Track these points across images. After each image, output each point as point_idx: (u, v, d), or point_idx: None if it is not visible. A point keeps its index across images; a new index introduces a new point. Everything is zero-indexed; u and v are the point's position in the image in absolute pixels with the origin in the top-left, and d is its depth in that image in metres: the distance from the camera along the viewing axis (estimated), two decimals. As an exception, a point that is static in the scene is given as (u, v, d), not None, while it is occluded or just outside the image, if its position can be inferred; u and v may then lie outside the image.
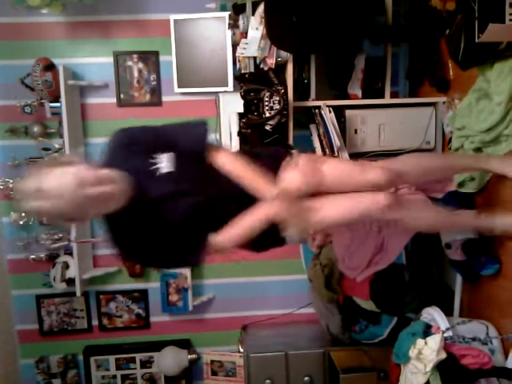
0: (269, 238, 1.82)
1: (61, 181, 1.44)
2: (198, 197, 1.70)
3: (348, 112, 2.76)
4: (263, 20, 2.58)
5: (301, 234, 1.86)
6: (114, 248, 1.76)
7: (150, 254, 1.77)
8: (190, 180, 1.70)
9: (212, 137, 1.79)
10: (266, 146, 2.57)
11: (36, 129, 3.23)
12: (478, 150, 2.27)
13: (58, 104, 3.13)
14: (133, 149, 1.71)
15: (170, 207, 1.68)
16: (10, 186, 3.19)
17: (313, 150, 2.75)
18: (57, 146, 3.20)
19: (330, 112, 2.67)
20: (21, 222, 3.31)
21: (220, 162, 1.77)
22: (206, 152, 1.77)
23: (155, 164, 1.68)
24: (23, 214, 3.32)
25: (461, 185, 2.40)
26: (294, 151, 1.91)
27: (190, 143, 1.78)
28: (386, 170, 1.81)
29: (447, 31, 2.29)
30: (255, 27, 2.65)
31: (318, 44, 2.59)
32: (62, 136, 3.16)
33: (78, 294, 3.30)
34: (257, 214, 1.74)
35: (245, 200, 1.75)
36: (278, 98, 2.56)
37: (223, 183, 1.75)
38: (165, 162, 1.68)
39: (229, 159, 1.79)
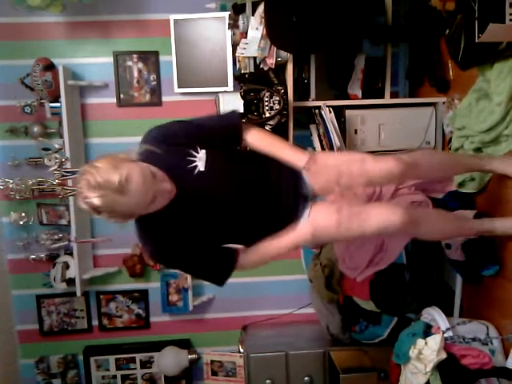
0: None
1: (137, 176, 1.44)
2: (231, 199, 1.72)
3: (348, 112, 2.76)
4: (263, 20, 2.58)
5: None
6: (145, 248, 1.79)
7: (180, 258, 1.78)
8: (223, 181, 1.72)
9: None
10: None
11: (36, 129, 3.23)
12: (478, 150, 2.27)
13: (57, 104, 3.13)
14: (170, 146, 1.70)
15: (204, 208, 1.69)
16: (10, 186, 3.18)
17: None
18: (57, 146, 3.20)
19: (330, 112, 2.67)
20: (21, 222, 3.32)
21: (251, 140, 1.79)
22: (241, 133, 1.79)
23: (193, 162, 1.68)
24: (23, 214, 3.32)
25: (461, 185, 2.40)
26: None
27: (226, 128, 1.80)
28: (399, 159, 1.80)
29: (447, 31, 2.29)
30: (255, 27, 2.65)
31: (317, 44, 2.59)
32: (61, 136, 3.16)
33: (78, 294, 3.30)
34: (284, 242, 1.78)
35: (275, 204, 1.79)
36: (277, 98, 2.56)
37: (256, 181, 1.78)
38: (202, 160, 1.68)
39: (259, 135, 1.82)
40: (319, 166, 1.75)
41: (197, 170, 1.67)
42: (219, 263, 1.80)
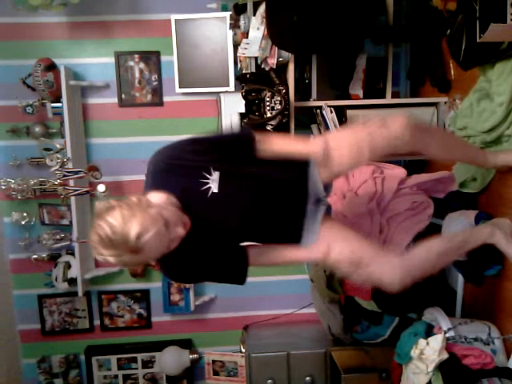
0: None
1: (151, 233, 1.39)
2: (245, 219, 1.71)
3: (349, 112, 2.76)
4: (264, 20, 2.58)
5: None
6: (170, 277, 1.81)
7: (203, 274, 1.80)
8: (237, 201, 1.69)
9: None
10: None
11: (37, 129, 3.23)
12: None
13: (59, 104, 3.13)
14: (181, 167, 1.63)
15: (218, 229, 1.69)
16: (12, 186, 3.19)
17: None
18: (58, 146, 3.20)
19: (331, 112, 2.67)
20: (23, 222, 3.33)
21: (266, 149, 1.75)
22: (255, 146, 1.75)
23: (206, 184, 1.62)
24: (25, 214, 3.33)
25: (463, 185, 2.39)
26: None
27: (239, 140, 1.77)
28: (406, 118, 1.74)
29: (448, 31, 2.29)
30: (256, 27, 2.65)
31: (319, 44, 2.59)
32: (63, 136, 3.16)
33: (80, 293, 3.31)
34: (298, 255, 1.83)
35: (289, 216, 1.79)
36: (279, 98, 2.56)
37: (270, 197, 1.75)
38: (215, 182, 1.63)
39: (271, 141, 1.78)
40: (338, 152, 1.74)
41: (210, 192, 1.62)
42: (236, 266, 1.82)
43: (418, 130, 1.76)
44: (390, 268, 1.78)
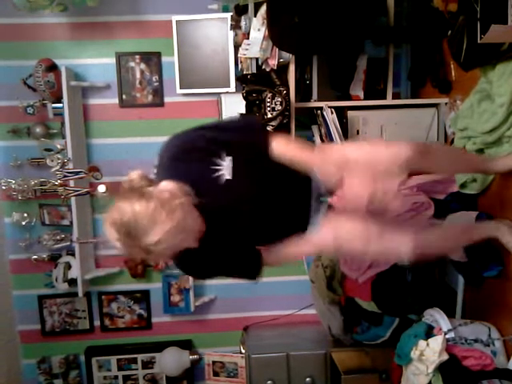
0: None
1: (168, 242, 1.39)
2: (259, 205, 1.67)
3: (350, 113, 2.76)
4: (265, 21, 2.58)
5: None
6: (186, 272, 1.79)
7: (217, 268, 1.77)
8: (251, 187, 1.66)
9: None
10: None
11: (38, 129, 3.23)
12: (480, 151, 2.26)
13: (60, 105, 3.13)
14: (193, 155, 1.60)
15: (232, 217, 1.65)
16: (13, 186, 3.19)
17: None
18: (59, 146, 3.20)
19: (331, 113, 2.67)
20: (23, 223, 3.33)
21: (276, 150, 1.69)
22: (266, 141, 1.70)
23: (218, 170, 1.60)
24: (25, 215, 3.33)
25: (463, 186, 2.39)
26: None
27: (250, 134, 1.73)
28: (412, 142, 1.71)
29: (449, 32, 2.29)
30: (257, 28, 2.66)
31: (319, 45, 2.59)
32: (64, 137, 3.17)
33: (80, 294, 3.31)
34: (304, 248, 1.78)
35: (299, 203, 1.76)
36: (279, 99, 2.56)
37: (282, 186, 1.74)
38: (228, 168, 1.60)
39: (283, 144, 1.71)
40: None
41: (223, 179, 1.60)
42: (250, 259, 1.78)
43: (424, 149, 1.75)
44: (402, 236, 1.74)
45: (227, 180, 1.60)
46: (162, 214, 1.37)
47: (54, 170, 3.11)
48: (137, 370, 3.63)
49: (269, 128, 2.59)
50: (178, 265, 1.78)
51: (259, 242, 1.81)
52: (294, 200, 1.78)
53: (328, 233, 1.71)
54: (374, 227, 1.70)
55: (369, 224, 1.72)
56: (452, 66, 2.65)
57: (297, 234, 1.76)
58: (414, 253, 1.70)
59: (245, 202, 1.65)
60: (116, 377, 3.63)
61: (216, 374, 3.59)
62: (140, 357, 3.61)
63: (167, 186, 1.50)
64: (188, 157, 1.60)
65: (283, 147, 1.70)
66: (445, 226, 2.06)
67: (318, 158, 1.67)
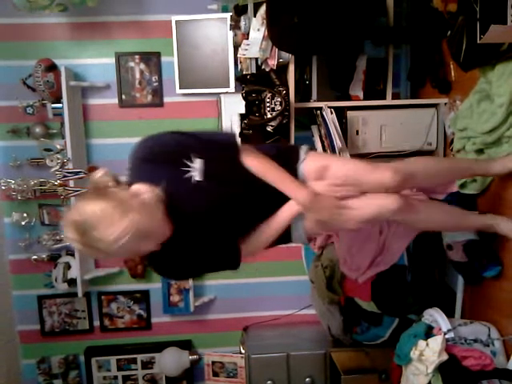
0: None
1: (126, 244, 1.40)
2: (228, 204, 1.68)
3: (349, 113, 2.76)
4: (264, 21, 2.58)
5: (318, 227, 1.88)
6: (150, 265, 1.77)
7: (186, 266, 1.76)
8: (220, 187, 1.66)
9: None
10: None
11: (38, 129, 3.23)
12: (480, 151, 2.27)
13: (59, 105, 3.13)
14: (163, 157, 1.61)
15: (203, 215, 1.65)
16: (12, 186, 3.19)
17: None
18: (58, 146, 3.21)
19: (331, 113, 2.67)
20: (23, 223, 3.33)
21: (250, 165, 1.71)
22: (237, 153, 1.71)
23: (188, 172, 1.60)
24: (25, 215, 3.33)
25: (462, 186, 2.39)
26: (303, 147, 1.87)
27: (222, 144, 1.73)
28: (396, 170, 1.79)
29: (449, 32, 2.29)
30: (257, 28, 2.66)
31: (319, 45, 2.59)
32: (63, 137, 3.17)
33: (80, 294, 3.31)
34: (282, 216, 1.76)
35: (274, 199, 1.75)
36: (279, 99, 2.56)
37: (253, 186, 1.72)
38: (198, 170, 1.61)
39: (257, 162, 1.72)
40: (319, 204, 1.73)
41: (193, 180, 1.60)
42: (227, 250, 1.76)
43: (406, 176, 1.81)
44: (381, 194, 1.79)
45: (197, 181, 1.61)
46: (118, 215, 1.39)
47: (53, 170, 3.11)
48: (136, 370, 3.63)
49: (268, 128, 2.60)
50: (151, 265, 1.77)
51: (234, 236, 1.79)
52: (270, 198, 1.76)
53: (304, 189, 1.73)
54: (361, 166, 1.81)
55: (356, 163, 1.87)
56: (451, 66, 2.65)
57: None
58: (399, 206, 1.77)
59: (216, 203, 1.66)
60: (116, 377, 3.63)
61: (216, 374, 3.59)
62: (139, 357, 3.61)
63: (135, 187, 1.52)
64: (159, 158, 1.61)
65: (257, 167, 1.71)
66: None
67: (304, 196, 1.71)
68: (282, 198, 1.74)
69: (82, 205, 1.42)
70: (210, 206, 1.65)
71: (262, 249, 1.82)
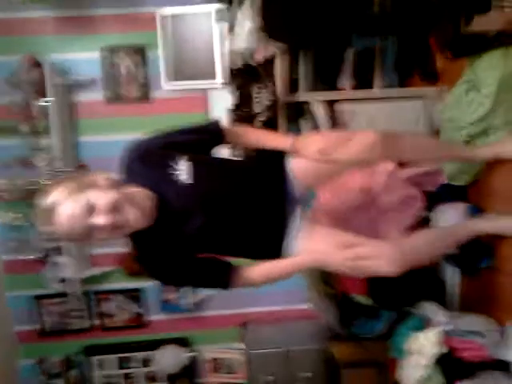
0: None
1: (66, 211, 1.43)
2: (217, 209, 1.66)
3: (338, 106, 2.71)
4: (250, 13, 2.53)
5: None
6: (141, 266, 1.74)
7: (175, 272, 1.74)
8: (209, 190, 1.66)
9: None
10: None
11: (24, 127, 3.18)
12: (468, 141, 2.24)
13: (45, 102, 3.08)
14: (151, 159, 1.63)
15: (192, 217, 1.63)
16: (0, 186, 3.17)
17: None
18: (45, 144, 3.16)
19: (320, 106, 2.63)
20: (14, 223, 3.29)
21: (234, 135, 1.77)
22: (220, 130, 1.75)
23: (174, 174, 1.61)
24: (16, 215, 3.29)
25: (452, 177, 2.36)
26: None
27: (205, 129, 1.77)
28: (377, 132, 1.74)
29: (436, 22, 2.25)
30: (243, 20, 2.61)
31: (307, 38, 2.55)
32: (50, 134, 3.11)
33: (76, 293, 3.31)
34: (289, 266, 1.78)
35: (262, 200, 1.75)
36: (267, 93, 2.53)
37: (241, 187, 1.72)
38: (184, 171, 1.61)
39: (242, 130, 1.82)
40: (306, 141, 1.73)
41: (180, 182, 1.61)
42: (217, 269, 1.74)
43: (387, 136, 1.75)
44: (386, 259, 1.73)
45: (183, 183, 1.61)
46: (70, 187, 1.46)
47: (41, 168, 3.07)
48: (136, 368, 3.63)
49: (257, 123, 2.56)
50: (140, 263, 1.74)
51: (229, 249, 1.79)
52: (267, 204, 1.75)
53: (313, 250, 1.74)
54: (361, 247, 1.72)
55: (355, 241, 1.74)
56: (439, 56, 2.60)
57: (273, 242, 1.76)
58: (399, 271, 1.73)
59: (204, 203, 1.64)
60: (116, 375, 3.64)
61: (216, 370, 3.59)
62: (139, 355, 3.62)
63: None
64: (146, 162, 1.63)
65: (240, 130, 1.81)
66: (430, 230, 2.05)
67: (296, 141, 1.72)
68: (270, 199, 1.75)
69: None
70: (198, 207, 1.63)
71: (260, 284, 1.83)
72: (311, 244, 1.75)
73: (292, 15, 2.43)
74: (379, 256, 1.72)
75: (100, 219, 1.43)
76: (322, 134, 1.84)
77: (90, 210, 1.42)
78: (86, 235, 1.45)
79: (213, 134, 1.75)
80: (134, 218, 1.48)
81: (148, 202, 1.55)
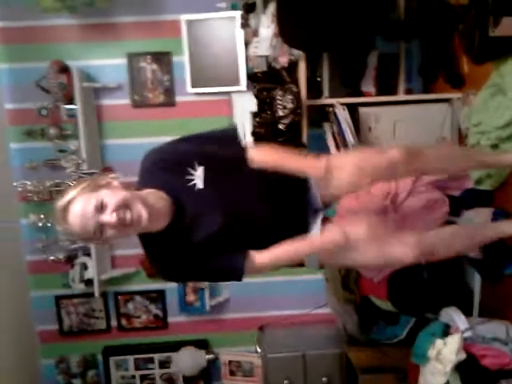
0: None
1: (77, 206, 1.44)
2: (229, 216, 1.65)
3: (361, 110, 2.73)
4: (274, 18, 2.56)
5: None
6: (154, 267, 1.75)
7: (189, 271, 1.73)
8: (224, 198, 1.65)
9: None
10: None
11: (52, 131, 3.25)
12: (495, 146, 2.22)
13: (73, 106, 3.16)
14: (169, 165, 1.64)
15: (206, 223, 1.63)
16: (28, 188, 3.22)
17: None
18: (73, 147, 3.23)
19: (343, 110, 2.64)
20: (40, 224, 3.34)
21: (257, 158, 1.71)
22: (242, 152, 1.72)
23: (191, 180, 1.62)
24: (42, 216, 3.34)
25: (478, 182, 2.35)
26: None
27: (226, 146, 1.73)
28: (401, 147, 1.75)
29: (461, 26, 2.25)
30: (266, 26, 2.65)
31: (330, 42, 2.57)
32: (77, 138, 3.18)
33: (97, 294, 3.33)
34: (304, 245, 1.73)
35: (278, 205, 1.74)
36: (290, 97, 2.55)
37: (258, 193, 1.72)
38: (200, 177, 1.63)
39: (265, 152, 1.75)
40: (339, 169, 1.70)
41: (196, 188, 1.62)
42: (230, 260, 1.72)
43: (413, 151, 1.77)
44: (404, 246, 1.77)
45: (200, 189, 1.62)
46: (86, 188, 1.46)
47: (68, 170, 3.13)
48: (154, 369, 3.64)
49: (280, 126, 2.58)
50: (156, 266, 1.75)
51: (238, 245, 1.75)
52: (289, 214, 1.76)
53: (337, 230, 1.72)
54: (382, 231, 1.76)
55: (378, 226, 1.77)
56: (464, 60, 2.60)
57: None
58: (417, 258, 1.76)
59: (219, 209, 1.64)
60: (133, 376, 3.65)
61: (232, 373, 3.59)
62: (157, 356, 3.62)
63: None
64: (165, 167, 1.64)
65: (264, 155, 1.73)
66: (454, 228, 2.06)
67: (319, 164, 1.69)
68: (286, 205, 1.75)
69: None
70: (213, 213, 1.64)
71: (268, 270, 1.80)
72: (341, 223, 1.76)
73: (310, 21, 2.44)
74: (405, 244, 1.76)
75: (108, 216, 1.44)
76: (351, 153, 1.79)
77: (101, 208, 1.44)
78: (99, 234, 1.47)
79: (235, 152, 1.73)
80: (145, 216, 1.48)
81: (161, 204, 1.56)
